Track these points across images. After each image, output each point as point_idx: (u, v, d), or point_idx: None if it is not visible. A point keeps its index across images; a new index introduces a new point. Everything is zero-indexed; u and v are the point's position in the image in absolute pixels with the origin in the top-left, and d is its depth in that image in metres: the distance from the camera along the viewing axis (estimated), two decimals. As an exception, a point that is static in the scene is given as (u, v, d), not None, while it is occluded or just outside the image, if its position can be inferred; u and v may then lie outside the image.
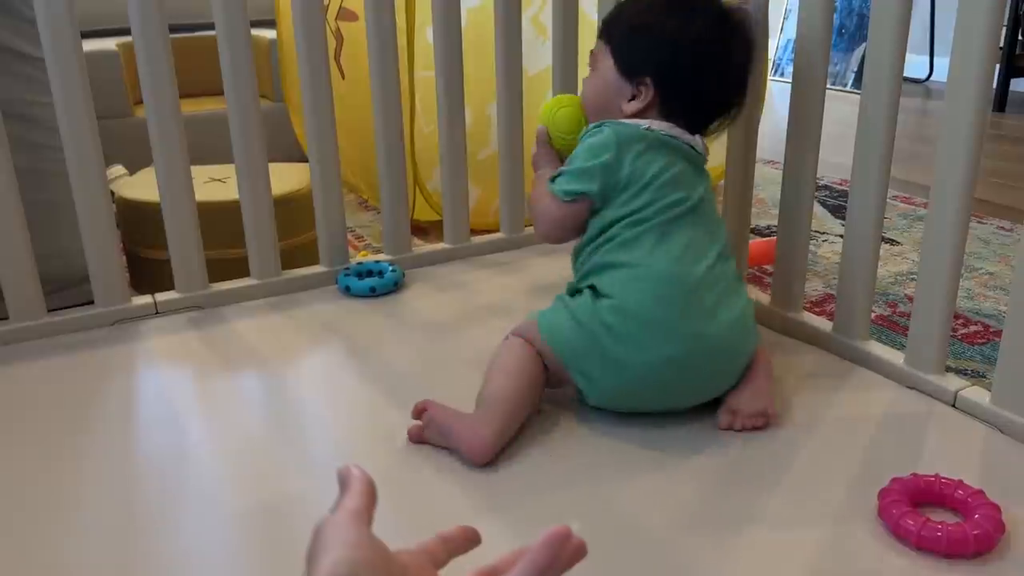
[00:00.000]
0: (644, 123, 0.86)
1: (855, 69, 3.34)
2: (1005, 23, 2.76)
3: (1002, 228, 1.57)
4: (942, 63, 3.17)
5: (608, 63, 0.90)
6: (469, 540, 0.50)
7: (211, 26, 1.05)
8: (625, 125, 0.87)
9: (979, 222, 1.62)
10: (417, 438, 0.79)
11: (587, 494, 0.72)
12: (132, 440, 0.83)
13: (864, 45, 2.98)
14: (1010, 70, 2.78)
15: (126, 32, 1.95)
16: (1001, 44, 2.76)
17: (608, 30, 0.91)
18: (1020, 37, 2.71)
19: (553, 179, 0.88)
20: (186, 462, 0.79)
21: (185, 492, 0.74)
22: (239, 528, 0.70)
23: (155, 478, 0.76)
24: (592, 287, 0.83)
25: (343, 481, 0.46)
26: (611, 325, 0.78)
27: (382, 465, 0.73)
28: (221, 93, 1.06)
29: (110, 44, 1.95)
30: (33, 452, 0.80)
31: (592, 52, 0.93)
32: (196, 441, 0.82)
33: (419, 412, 0.79)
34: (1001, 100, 2.81)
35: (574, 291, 0.86)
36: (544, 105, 0.96)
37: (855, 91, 2.96)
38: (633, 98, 0.88)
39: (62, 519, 0.70)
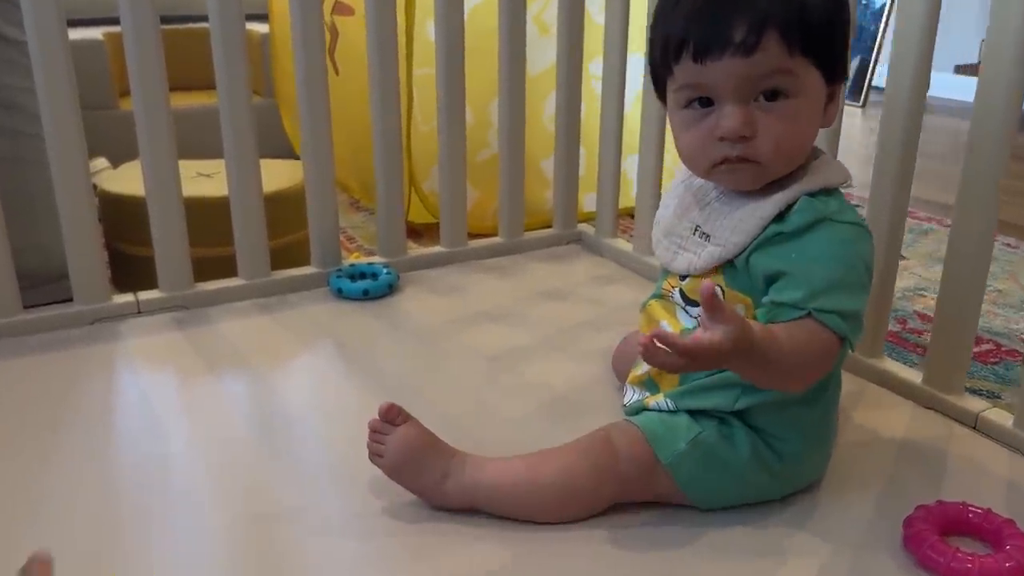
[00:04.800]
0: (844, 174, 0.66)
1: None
2: None
3: (1008, 245, 1.55)
4: (939, 77, 3.17)
5: (814, 80, 0.62)
6: None
7: (199, 18, 1.01)
8: (846, 205, 0.64)
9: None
10: (374, 453, 0.68)
11: (602, 522, 0.67)
12: (111, 447, 0.78)
13: (858, 57, 2.98)
14: None
15: (113, 21, 1.91)
16: None
17: (797, 36, 0.60)
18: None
19: (818, 310, 0.60)
20: (168, 471, 0.74)
21: (166, 503, 0.69)
22: (224, 541, 0.65)
23: (135, 488, 0.71)
24: (749, 423, 0.66)
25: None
26: (784, 475, 0.67)
27: (374, 475, 0.69)
28: (209, 87, 1.02)
29: (96, 33, 1.89)
30: (3, 458, 0.75)
31: (767, 76, 0.60)
32: (178, 449, 0.77)
33: (392, 415, 0.67)
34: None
35: (691, 411, 0.67)
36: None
37: (852, 103, 2.94)
38: (829, 101, 0.65)
39: (35, 531, 0.65)
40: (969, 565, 0.60)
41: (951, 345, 0.83)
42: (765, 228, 0.63)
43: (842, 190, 0.66)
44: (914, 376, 0.86)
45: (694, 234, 0.68)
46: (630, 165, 1.33)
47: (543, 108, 1.52)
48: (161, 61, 0.98)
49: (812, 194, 0.63)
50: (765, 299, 0.62)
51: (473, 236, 1.26)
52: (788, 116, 0.61)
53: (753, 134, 0.61)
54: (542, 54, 1.45)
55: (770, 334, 0.58)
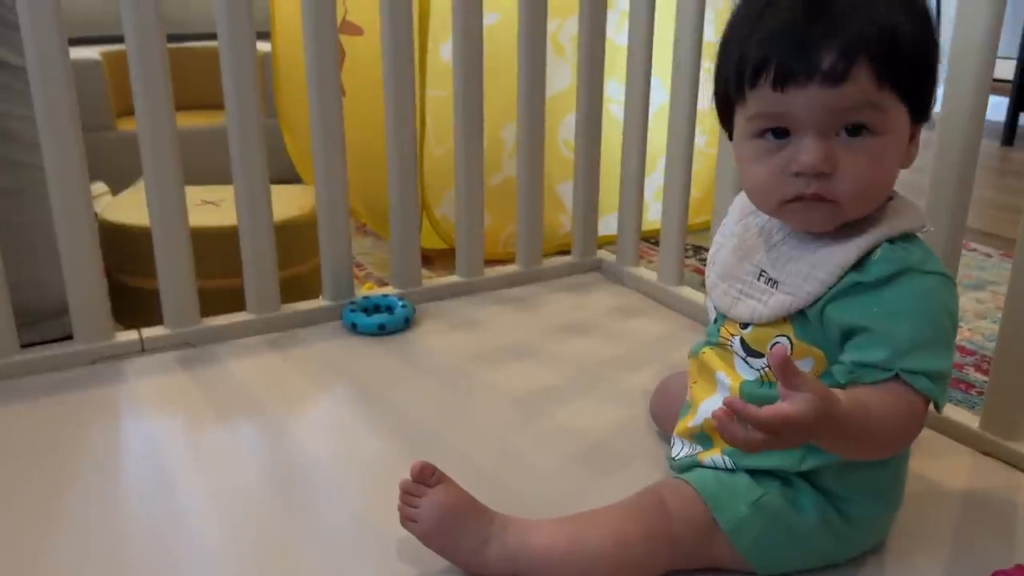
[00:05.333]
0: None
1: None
2: (1016, 57, 2.72)
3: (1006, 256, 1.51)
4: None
5: (901, 117, 0.57)
6: None
7: (200, 36, 0.96)
8: (930, 253, 0.59)
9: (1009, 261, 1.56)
10: (407, 517, 0.63)
11: None
12: (116, 503, 0.72)
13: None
14: (1020, 104, 2.74)
15: (110, 40, 1.86)
16: (1011, 78, 2.73)
17: (889, 68, 0.55)
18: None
19: (912, 372, 0.55)
20: (178, 529, 0.68)
21: (177, 557, 0.65)
22: (242, 619, 0.60)
23: (143, 546, 0.66)
24: (816, 484, 0.62)
25: None
26: (852, 539, 0.63)
27: (402, 535, 0.64)
28: (207, 107, 0.97)
29: (93, 53, 1.84)
30: (7, 512, 0.70)
31: (853, 109, 0.55)
32: (188, 504, 0.72)
33: (425, 476, 0.63)
34: (1010, 133, 2.77)
35: (751, 470, 0.62)
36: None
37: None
38: (911, 140, 0.60)
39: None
40: (1061, 642, 0.55)
41: (1013, 385, 0.78)
42: (843, 276, 0.58)
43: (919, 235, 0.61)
44: (970, 420, 0.82)
45: (759, 279, 0.62)
46: (649, 184, 1.29)
47: (558, 131, 1.47)
48: (167, 81, 0.93)
49: (892, 240, 0.58)
50: (845, 357, 0.57)
51: (485, 262, 1.21)
52: (872, 154, 0.56)
53: (833, 171, 0.56)
54: (557, 76, 1.41)
55: (858, 402, 0.53)
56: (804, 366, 0.60)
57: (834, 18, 0.54)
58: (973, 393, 1.05)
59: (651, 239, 1.57)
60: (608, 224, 1.35)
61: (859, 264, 0.58)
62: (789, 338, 0.60)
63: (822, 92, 0.54)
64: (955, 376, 1.11)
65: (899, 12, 0.55)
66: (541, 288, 1.21)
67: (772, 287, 0.61)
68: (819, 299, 0.58)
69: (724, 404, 0.49)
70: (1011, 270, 0.77)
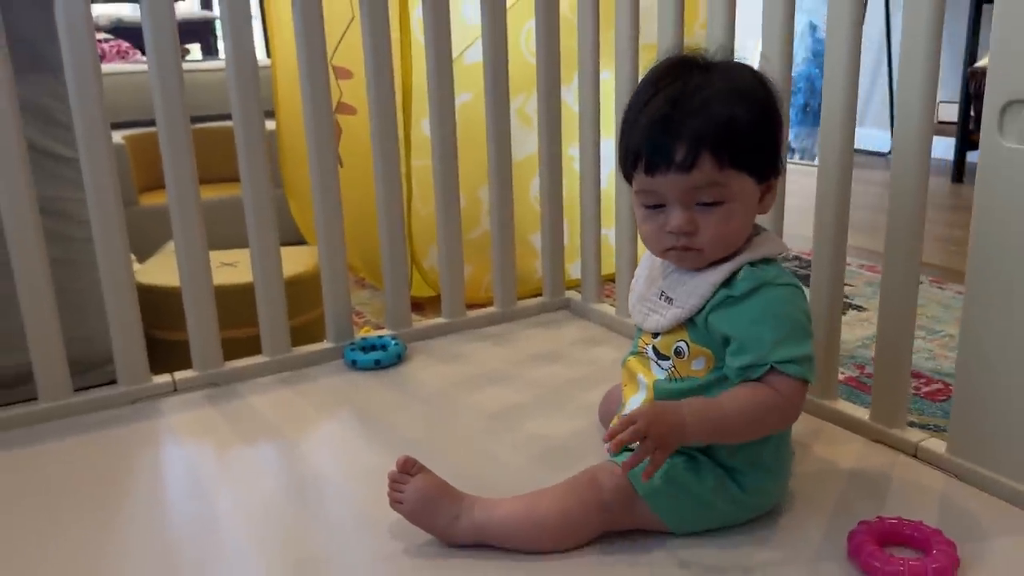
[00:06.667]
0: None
1: (821, 142, 3.51)
2: (958, 101, 2.93)
3: (960, 293, 1.68)
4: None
5: (745, 185, 0.75)
6: None
7: (209, 118, 1.12)
8: (783, 271, 0.78)
9: (939, 288, 1.73)
10: (394, 500, 0.79)
11: (593, 548, 0.79)
12: (163, 509, 0.89)
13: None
14: (966, 143, 2.94)
15: (131, 125, 2.07)
16: (956, 120, 2.93)
17: (727, 154, 0.73)
18: (972, 114, 2.88)
19: (783, 362, 0.73)
20: (216, 528, 0.85)
21: (218, 556, 0.81)
22: (271, 585, 0.76)
23: (189, 543, 0.83)
24: (714, 459, 0.78)
25: None
26: (747, 503, 0.79)
27: (393, 521, 0.81)
28: (215, 180, 1.12)
29: (116, 137, 2.05)
30: (71, 524, 0.86)
31: (703, 188, 0.74)
32: (223, 508, 0.88)
33: (408, 467, 0.79)
34: (959, 171, 2.97)
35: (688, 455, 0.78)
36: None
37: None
38: (765, 193, 0.78)
39: (107, 581, 0.76)
40: (901, 567, 0.71)
41: (891, 384, 0.95)
42: (716, 292, 0.77)
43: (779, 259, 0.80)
44: (863, 414, 0.99)
45: (660, 298, 0.81)
46: (611, 233, 1.48)
47: (529, 188, 1.67)
48: (192, 160, 1.11)
49: (754, 264, 0.77)
50: (730, 363, 0.76)
51: (469, 306, 1.39)
52: (722, 217, 0.76)
53: (695, 231, 0.76)
54: (526, 142, 1.61)
55: (709, 402, 0.75)
56: (698, 364, 0.78)
57: (685, 117, 0.73)
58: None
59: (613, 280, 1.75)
60: (578, 269, 1.53)
61: (728, 283, 0.76)
62: (686, 342, 0.79)
63: (678, 177, 0.74)
64: (868, 384, 1.28)
65: (736, 106, 0.74)
66: (516, 325, 1.39)
67: (669, 303, 0.80)
68: (702, 310, 0.77)
69: (604, 440, 0.72)
70: (879, 289, 0.95)
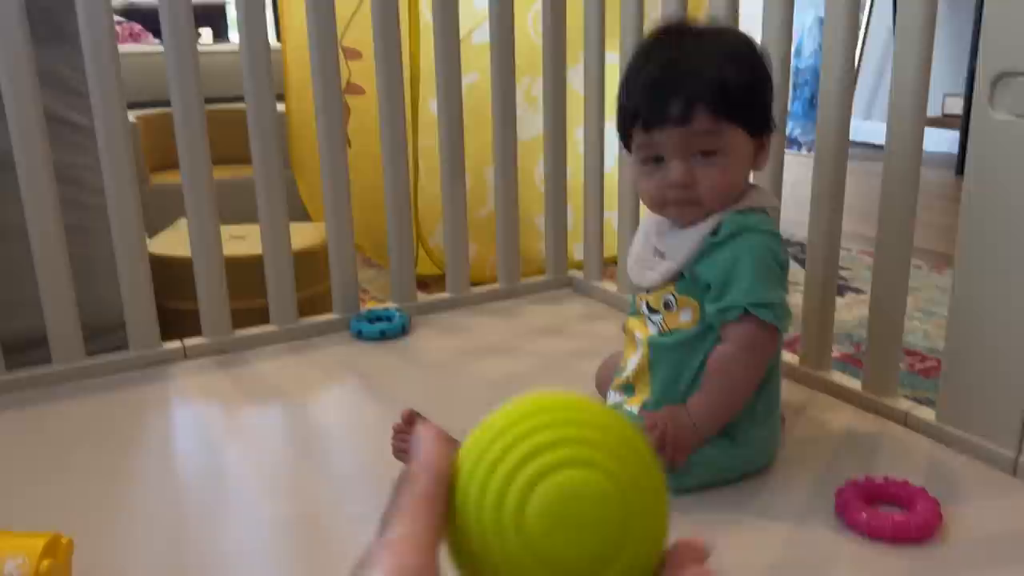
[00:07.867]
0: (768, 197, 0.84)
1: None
2: (962, 94, 2.95)
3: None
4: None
5: (739, 137, 0.79)
6: None
7: (221, 99, 1.15)
8: (766, 219, 0.82)
9: (938, 273, 1.76)
10: (398, 450, 0.81)
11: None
12: (175, 462, 0.93)
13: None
14: (968, 137, 2.95)
15: (143, 105, 2.10)
16: (960, 112, 2.95)
17: (720, 106, 0.77)
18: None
19: (755, 305, 0.76)
20: (225, 479, 0.88)
21: (227, 504, 0.84)
22: (277, 532, 0.79)
23: (199, 492, 0.86)
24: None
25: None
26: (740, 457, 0.82)
27: (395, 474, 0.83)
28: (230, 162, 1.16)
29: (130, 117, 2.08)
30: (87, 475, 0.89)
31: (699, 139, 0.78)
32: (232, 461, 0.92)
33: (411, 419, 0.82)
34: (961, 164, 2.98)
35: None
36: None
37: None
38: (759, 150, 0.82)
39: (117, 531, 0.79)
40: (885, 522, 0.74)
41: (882, 355, 0.98)
42: (704, 242, 0.80)
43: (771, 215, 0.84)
44: (855, 384, 1.01)
45: (654, 255, 0.85)
46: (615, 217, 1.50)
47: (535, 171, 1.70)
48: (205, 139, 1.15)
49: (740, 212, 0.81)
50: (709, 308, 0.79)
51: (474, 285, 1.42)
52: (720, 168, 0.79)
53: (693, 183, 0.79)
54: (532, 124, 1.64)
55: (697, 396, 0.79)
56: (685, 315, 0.82)
57: (680, 76, 0.78)
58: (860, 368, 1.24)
59: (615, 263, 1.77)
60: (581, 250, 1.56)
61: (715, 232, 0.80)
62: (673, 294, 0.82)
63: (675, 131, 0.78)
64: (850, 355, 1.30)
65: (728, 65, 0.78)
66: (519, 301, 1.42)
67: (661, 258, 0.83)
68: (690, 260, 0.80)
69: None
70: (872, 267, 0.97)
